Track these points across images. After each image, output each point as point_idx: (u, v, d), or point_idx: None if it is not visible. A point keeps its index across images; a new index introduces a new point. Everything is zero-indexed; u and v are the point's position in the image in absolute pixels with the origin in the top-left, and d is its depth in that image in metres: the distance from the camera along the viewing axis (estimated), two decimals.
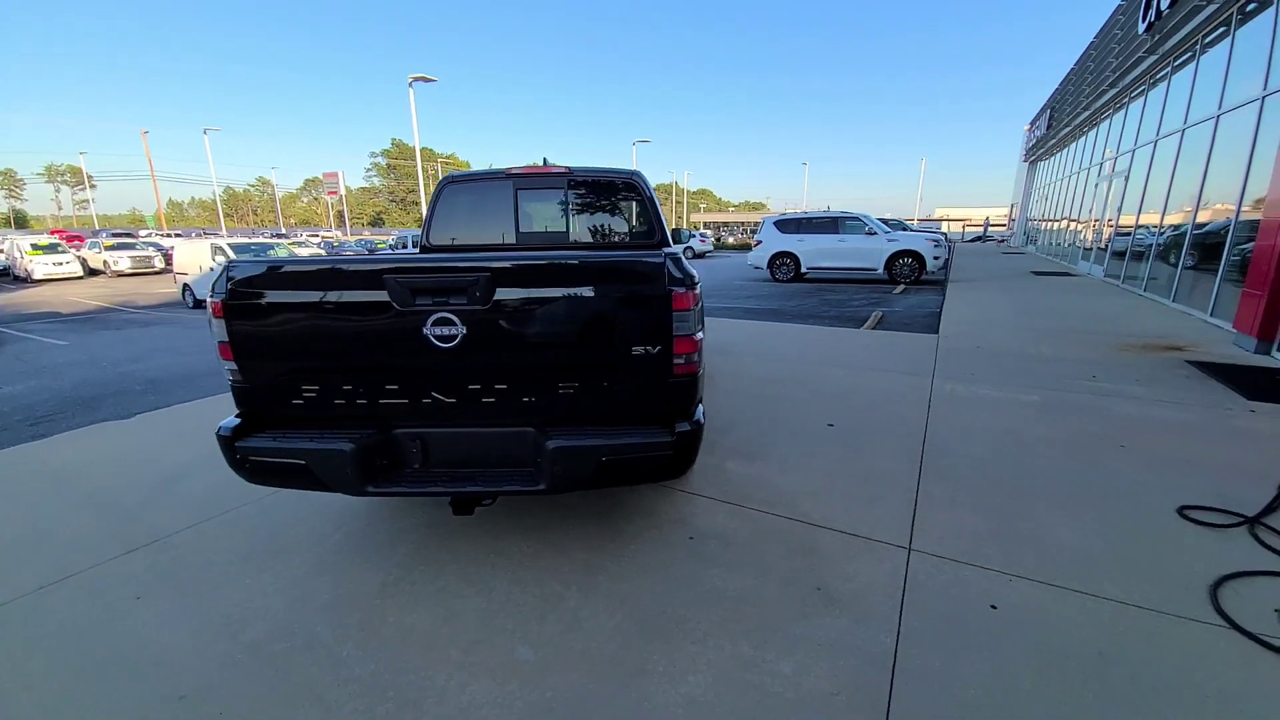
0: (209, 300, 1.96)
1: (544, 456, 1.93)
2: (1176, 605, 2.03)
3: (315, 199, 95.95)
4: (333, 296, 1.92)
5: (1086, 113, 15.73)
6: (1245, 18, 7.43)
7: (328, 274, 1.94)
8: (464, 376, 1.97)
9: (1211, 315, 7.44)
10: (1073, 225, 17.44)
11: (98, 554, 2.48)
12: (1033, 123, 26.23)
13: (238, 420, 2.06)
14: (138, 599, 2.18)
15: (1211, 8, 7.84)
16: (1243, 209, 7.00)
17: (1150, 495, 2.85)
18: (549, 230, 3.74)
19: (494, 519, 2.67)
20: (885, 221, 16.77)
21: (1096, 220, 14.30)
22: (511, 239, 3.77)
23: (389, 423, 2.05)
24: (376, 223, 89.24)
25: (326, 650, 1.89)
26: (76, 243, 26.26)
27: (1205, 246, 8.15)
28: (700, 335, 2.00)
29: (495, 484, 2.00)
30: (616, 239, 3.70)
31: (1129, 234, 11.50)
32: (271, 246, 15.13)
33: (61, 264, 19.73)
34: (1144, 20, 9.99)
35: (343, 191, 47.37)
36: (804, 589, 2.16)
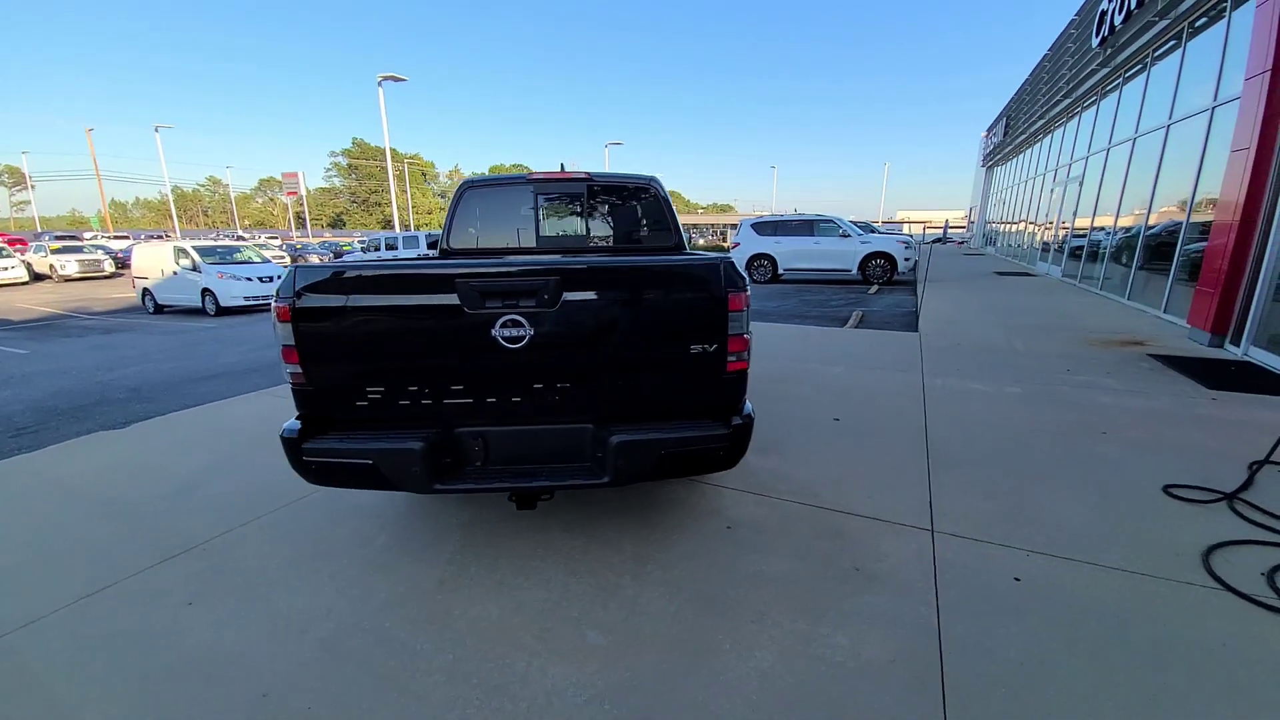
0: (275, 304, 1.99)
1: (607, 451, 2.02)
2: (1175, 572, 2.26)
3: (271, 199, 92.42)
4: (401, 300, 1.97)
5: (1042, 121, 16.58)
6: (1195, 32, 8.02)
7: (397, 278, 2.00)
8: (528, 376, 2.05)
9: (1165, 312, 8.00)
10: (1030, 228, 18.35)
11: (132, 564, 2.45)
12: (989, 130, 27.44)
13: (298, 423, 2.09)
14: (190, 604, 2.17)
15: (1163, 23, 8.43)
16: (1193, 213, 7.56)
17: (1136, 476, 3.12)
18: (569, 234, 3.82)
19: (533, 516, 2.73)
20: (854, 223, 17.30)
21: (1053, 223, 15.10)
22: (532, 242, 3.83)
23: (451, 422, 2.11)
24: (337, 224, 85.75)
25: (401, 644, 1.93)
26: (19, 246, 24.81)
27: (1156, 248, 8.75)
28: (749, 334, 2.12)
29: (559, 479, 2.08)
30: (636, 243, 3.82)
31: (1084, 236, 12.20)
32: (238, 249, 14.63)
33: (6, 269, 18.63)
34: (1097, 35, 10.65)
35: (303, 191, 45.94)
36: (843, 569, 2.31)
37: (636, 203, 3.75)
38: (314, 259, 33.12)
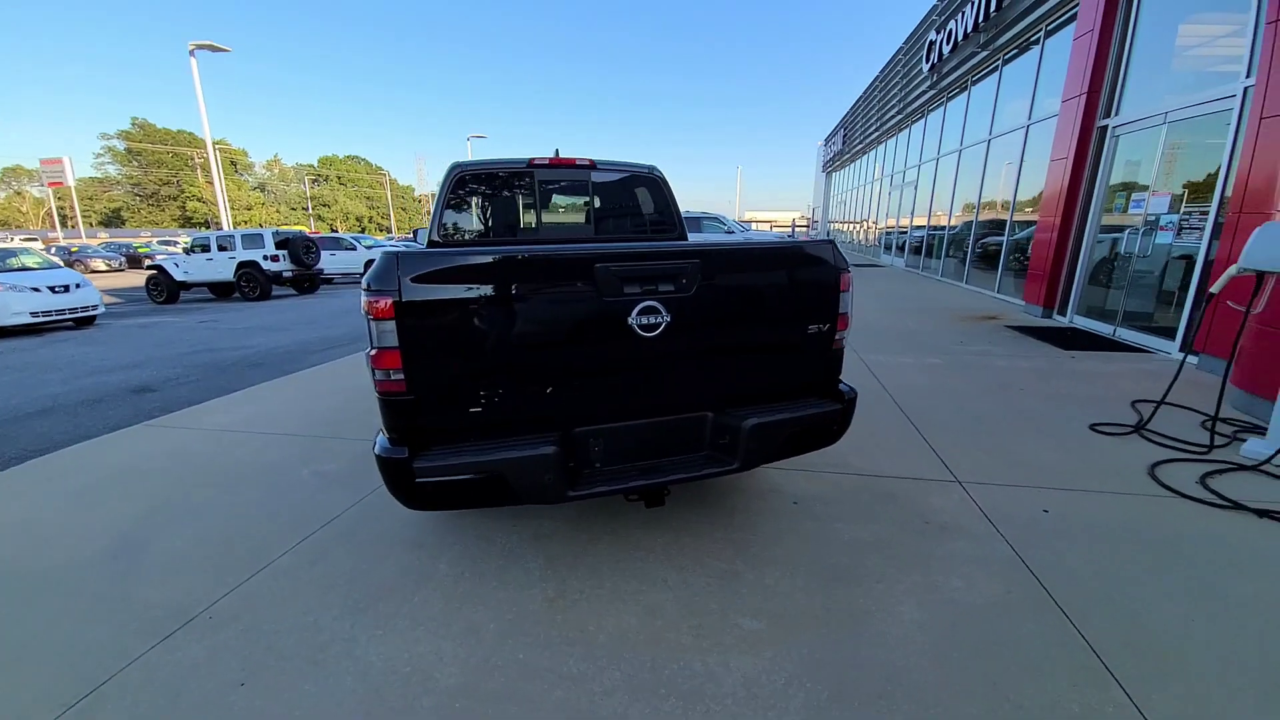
0: (370, 299, 1.65)
1: (738, 435, 2.00)
2: (1140, 488, 2.83)
3: (18, 193, 72.90)
4: (529, 287, 1.76)
5: (878, 132, 19.17)
6: (1009, 60, 9.84)
7: (526, 263, 1.76)
8: (658, 366, 1.94)
9: (998, 293, 9.76)
10: (873, 225, 21.16)
11: (107, 664, 1.88)
12: (828, 140, 31.00)
13: (392, 439, 1.76)
14: (242, 685, 1.73)
15: (983, 54, 10.23)
16: (1015, 213, 9.32)
17: (1063, 420, 3.81)
18: (574, 223, 3.62)
19: (601, 517, 2.60)
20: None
21: (894, 221, 17.57)
22: (534, 231, 3.58)
23: (571, 421, 1.93)
24: (112, 222, 68.00)
25: (553, 672, 1.74)
26: None
27: (986, 241, 10.63)
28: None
29: (689, 470, 2.01)
30: (641, 231, 3.74)
31: (923, 231, 14.40)
32: (13, 253, 11.50)
33: None
34: (928, 61, 12.59)
35: (70, 182, 37.16)
36: (915, 525, 2.53)
37: (640, 191, 3.69)
38: (99, 264, 26.97)
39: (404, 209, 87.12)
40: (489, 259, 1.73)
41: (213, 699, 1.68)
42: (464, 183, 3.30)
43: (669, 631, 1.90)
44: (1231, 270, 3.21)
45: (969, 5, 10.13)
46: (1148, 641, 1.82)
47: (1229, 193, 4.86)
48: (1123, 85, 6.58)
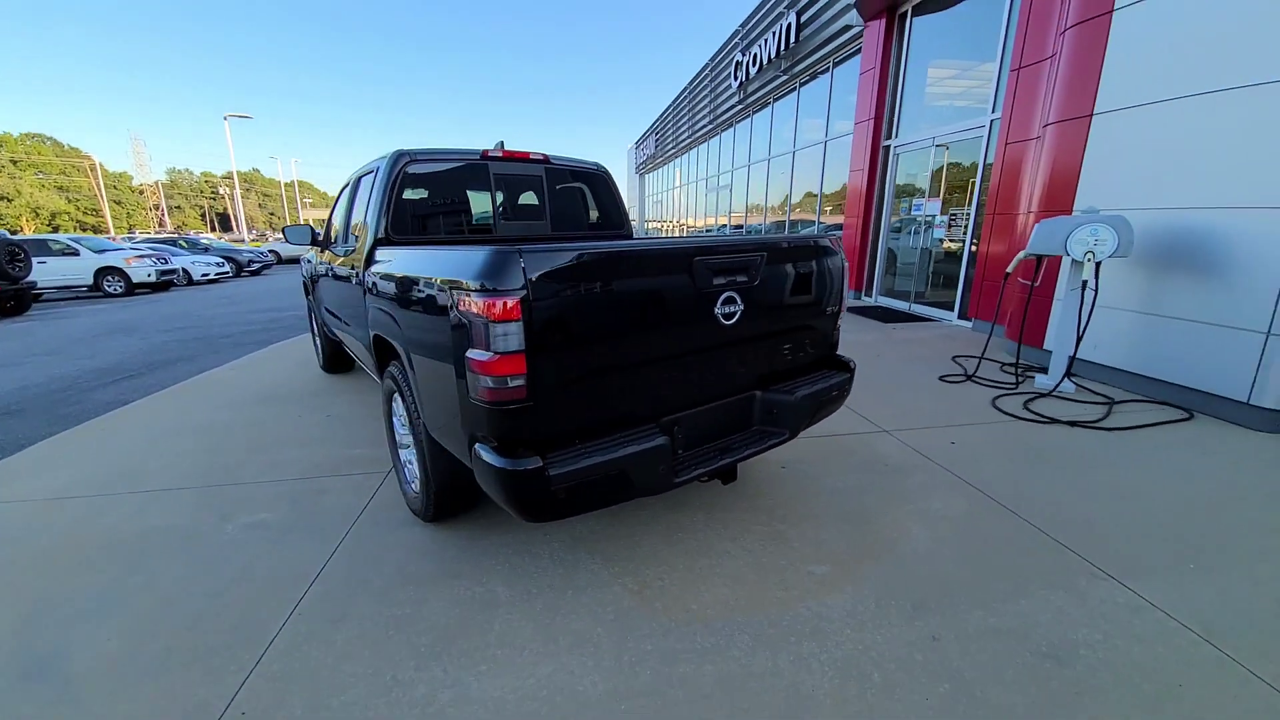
0: (486, 300, 1.49)
1: (786, 408, 2.24)
2: (992, 418, 3.80)
3: None
4: (643, 283, 1.74)
5: (689, 139, 21.05)
6: (804, 84, 11.66)
7: (642, 257, 1.74)
8: (730, 351, 2.08)
9: None
10: (691, 224, 23.16)
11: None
12: (639, 143, 32.95)
13: (496, 451, 1.62)
14: None
15: (784, 78, 11.97)
16: (821, 215, 11.16)
17: (918, 376, 4.85)
18: (530, 219, 3.42)
19: (611, 515, 2.64)
20: None
21: (712, 220, 19.51)
22: (490, 225, 3.32)
23: (661, 410, 1.96)
24: None
25: (690, 651, 1.79)
26: None
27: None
28: None
29: (753, 446, 2.18)
30: (595, 228, 3.70)
31: (741, 228, 16.31)
32: None
33: None
34: (736, 79, 14.25)
35: None
36: (880, 469, 3.07)
37: (590, 189, 3.66)
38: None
39: (119, 201, 68.63)
40: (610, 252, 1.69)
41: None
42: (415, 171, 2.96)
43: (760, 591, 2.08)
44: (1021, 255, 4.44)
45: (770, 36, 11.77)
46: (1068, 516, 2.54)
47: (984, 199, 6.59)
48: (900, 114, 8.37)
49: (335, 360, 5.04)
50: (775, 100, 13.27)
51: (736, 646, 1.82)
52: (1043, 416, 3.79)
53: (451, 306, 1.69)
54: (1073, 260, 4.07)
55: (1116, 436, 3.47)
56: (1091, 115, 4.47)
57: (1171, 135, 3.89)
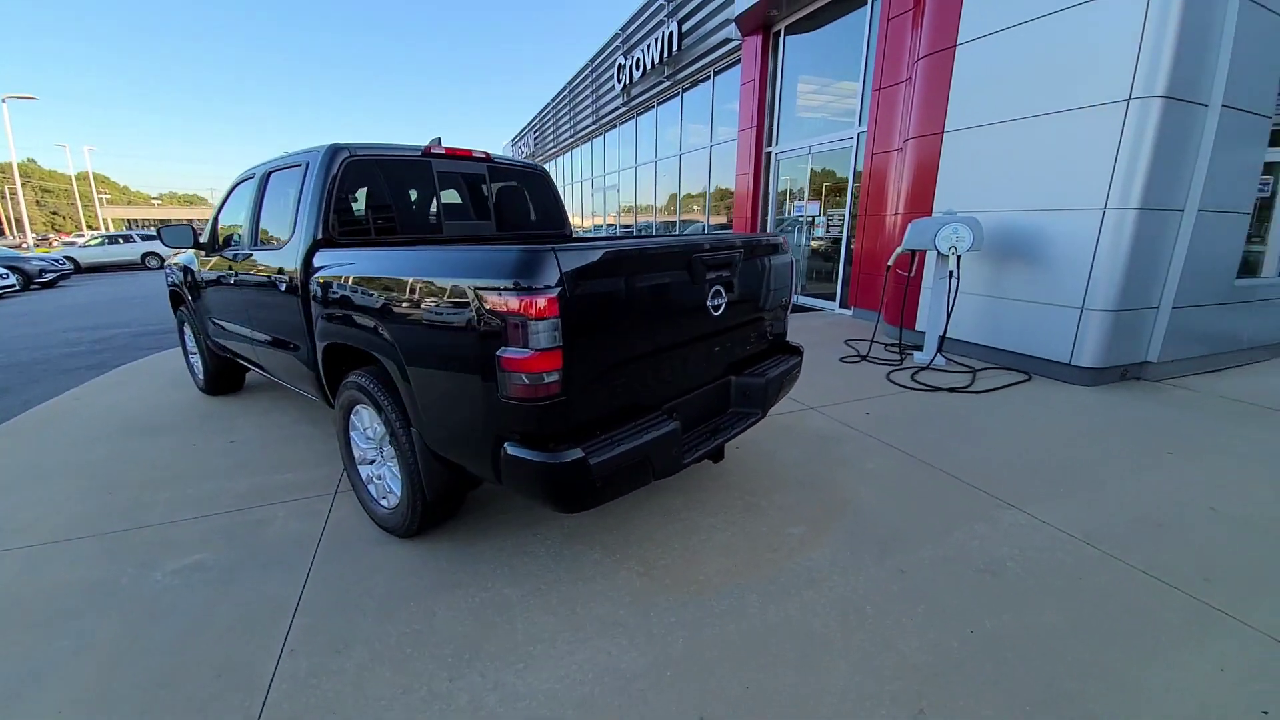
0: (521, 299, 1.51)
1: (756, 391, 2.47)
2: (878, 390, 4.43)
3: None
4: (657, 278, 1.84)
5: (572, 137, 21.07)
6: (687, 90, 12.27)
7: (658, 254, 1.83)
8: (715, 341, 2.25)
9: None
10: (577, 223, 23.19)
11: None
12: (517, 140, 32.23)
13: (528, 446, 1.66)
14: None
15: (667, 84, 12.49)
16: (710, 215, 11.86)
17: (824, 358, 5.45)
18: (475, 219, 3.27)
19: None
20: None
21: (601, 219, 19.72)
22: (436, 225, 3.13)
23: (666, 398, 2.08)
24: None
25: (712, 617, 1.95)
26: None
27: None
28: None
29: (738, 425, 2.38)
30: (536, 228, 3.64)
31: (630, 228, 16.71)
32: None
33: None
34: (619, 81, 14.58)
35: None
36: (818, 441, 3.46)
37: (530, 189, 3.61)
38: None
39: None
40: (635, 249, 1.78)
41: None
42: (352, 170, 2.74)
43: (753, 555, 2.30)
44: (898, 250, 5.18)
45: (653, 42, 12.23)
46: (967, 463, 3.09)
47: (856, 201, 7.51)
48: (779, 123, 9.20)
49: (222, 379, 4.44)
50: (659, 104, 13.80)
51: (749, 605, 2.01)
52: (928, 386, 4.49)
53: (475, 307, 1.67)
54: (939, 254, 4.85)
55: (982, 398, 4.23)
56: (943, 133, 5.34)
57: (1003, 151, 4.80)
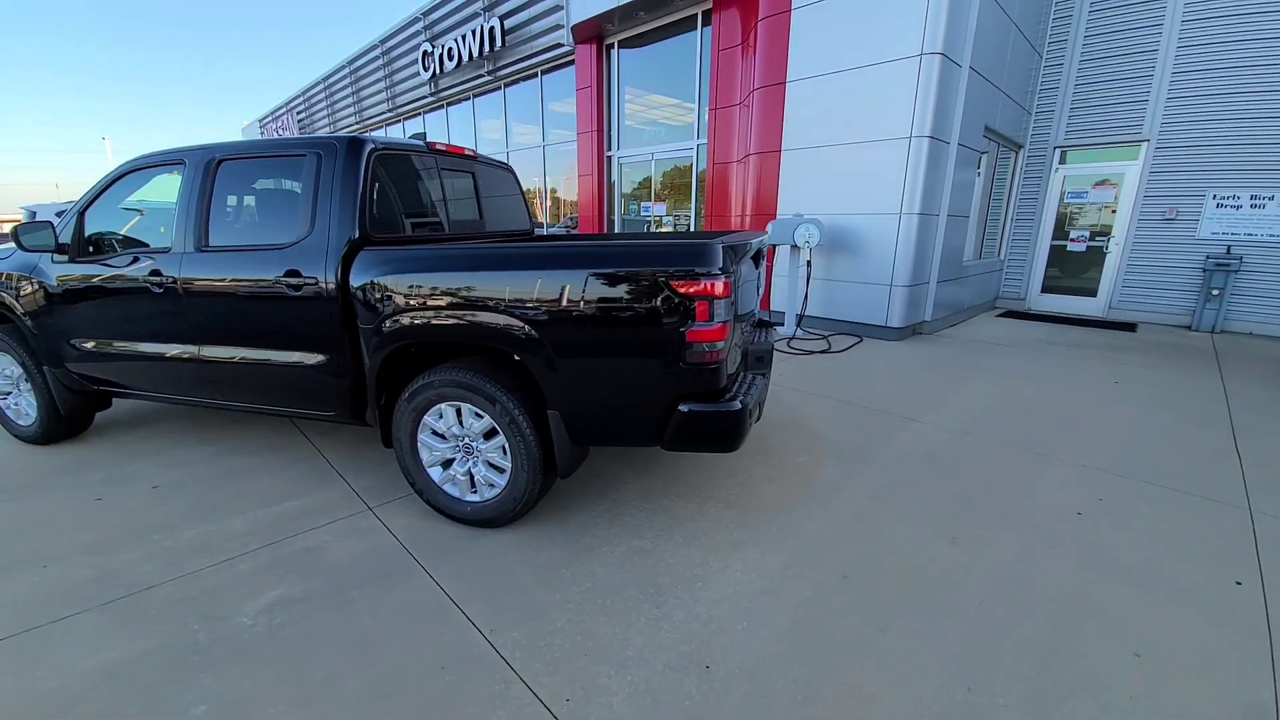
0: (709, 282, 1.92)
1: (771, 355, 3.14)
2: (777, 356, 5.57)
3: None
4: (739, 266, 2.34)
5: (358, 123, 18.91)
6: (510, 84, 12.26)
7: (745, 247, 2.31)
8: (749, 316, 2.85)
9: None
10: None
11: None
12: (270, 120, 27.26)
13: (700, 401, 2.11)
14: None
15: (488, 78, 12.31)
16: (559, 210, 12.15)
17: None
18: (468, 217, 3.15)
19: (592, 498, 3.16)
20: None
21: None
22: (444, 223, 2.98)
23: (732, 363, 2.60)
24: None
25: (763, 569, 2.59)
26: None
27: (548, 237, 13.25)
28: None
29: (762, 389, 3.02)
30: (512, 224, 3.63)
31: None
32: None
33: None
34: (426, 70, 13.77)
35: None
36: (773, 401, 4.32)
37: (503, 183, 3.62)
38: None
39: None
40: (740, 242, 2.26)
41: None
42: (383, 163, 2.56)
43: (789, 480, 3.00)
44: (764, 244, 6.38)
45: (469, 33, 11.91)
46: (868, 397, 4.25)
47: (700, 203, 8.72)
48: (620, 129, 9.98)
49: (73, 420, 3.47)
50: (476, 96, 13.47)
51: (813, 510, 2.71)
52: (802, 350, 5.74)
53: (665, 293, 2.00)
54: (793, 246, 6.17)
55: (841, 356, 5.62)
56: (781, 150, 6.71)
57: (831, 167, 6.30)
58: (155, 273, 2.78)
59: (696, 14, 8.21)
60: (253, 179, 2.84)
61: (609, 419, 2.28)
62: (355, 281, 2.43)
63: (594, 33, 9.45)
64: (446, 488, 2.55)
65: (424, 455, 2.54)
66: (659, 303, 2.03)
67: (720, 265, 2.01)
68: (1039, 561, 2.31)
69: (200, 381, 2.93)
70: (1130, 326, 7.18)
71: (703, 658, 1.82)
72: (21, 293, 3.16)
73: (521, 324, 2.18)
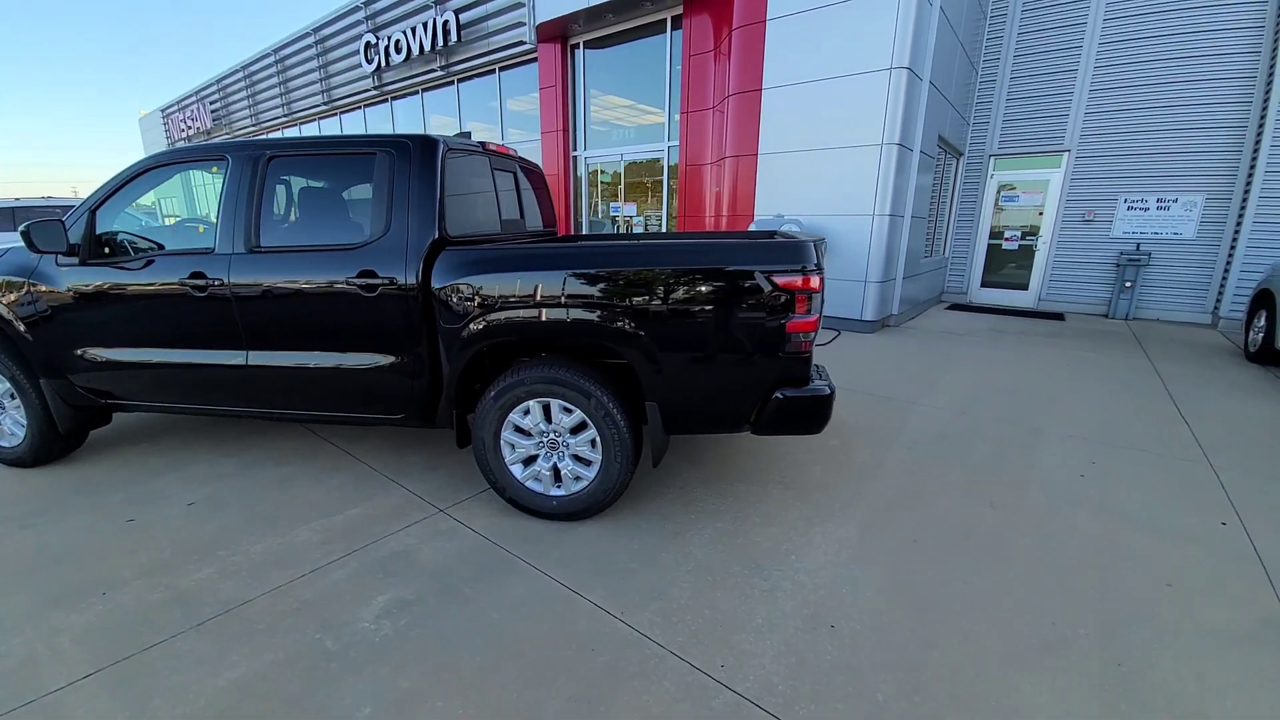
0: (812, 278, 2.11)
1: None
2: None
3: None
4: None
5: (287, 116, 17.73)
6: (466, 79, 11.95)
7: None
8: None
9: None
10: None
11: None
12: (171, 111, 24.88)
13: (803, 387, 2.29)
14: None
15: (440, 74, 11.95)
16: None
17: None
18: (514, 217, 3.13)
19: (706, 468, 3.32)
20: None
21: None
22: (497, 225, 2.96)
23: None
24: None
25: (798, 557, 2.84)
26: None
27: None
28: None
29: None
30: (546, 225, 3.63)
31: None
32: None
33: None
34: (369, 62, 13.17)
35: None
36: None
37: (537, 185, 3.62)
38: None
39: None
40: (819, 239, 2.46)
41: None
42: (454, 162, 2.53)
43: (831, 462, 3.25)
44: None
45: (420, 26, 11.52)
46: (870, 385, 4.60)
47: (672, 204, 8.92)
48: (587, 129, 10.00)
49: (71, 439, 3.19)
50: (426, 90, 13.03)
51: (866, 487, 2.97)
52: None
53: (769, 288, 2.16)
54: None
55: (829, 347, 5.97)
56: (758, 155, 7.04)
57: (808, 171, 6.69)
58: (197, 275, 2.62)
59: (666, 19, 8.40)
60: (309, 177, 2.73)
61: (707, 408, 2.42)
62: (439, 282, 2.42)
63: (559, 32, 9.43)
64: (530, 484, 2.59)
65: (506, 453, 2.57)
66: (764, 297, 2.19)
67: (816, 261, 2.20)
68: (1065, 517, 2.67)
69: (245, 390, 2.78)
70: (1059, 316, 8.09)
71: (824, 619, 2.01)
72: (16, 299, 2.86)
73: (626, 320, 2.28)
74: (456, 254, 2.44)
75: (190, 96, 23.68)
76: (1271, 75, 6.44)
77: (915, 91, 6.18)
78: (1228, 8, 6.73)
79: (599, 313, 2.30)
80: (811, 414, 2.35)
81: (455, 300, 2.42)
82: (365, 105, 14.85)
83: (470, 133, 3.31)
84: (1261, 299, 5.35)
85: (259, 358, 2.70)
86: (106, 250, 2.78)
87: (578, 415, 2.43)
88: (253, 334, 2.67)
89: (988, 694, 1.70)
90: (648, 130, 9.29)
